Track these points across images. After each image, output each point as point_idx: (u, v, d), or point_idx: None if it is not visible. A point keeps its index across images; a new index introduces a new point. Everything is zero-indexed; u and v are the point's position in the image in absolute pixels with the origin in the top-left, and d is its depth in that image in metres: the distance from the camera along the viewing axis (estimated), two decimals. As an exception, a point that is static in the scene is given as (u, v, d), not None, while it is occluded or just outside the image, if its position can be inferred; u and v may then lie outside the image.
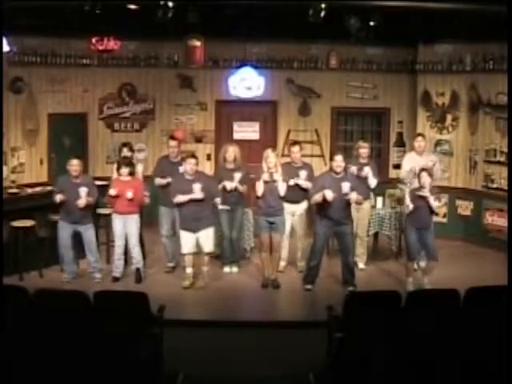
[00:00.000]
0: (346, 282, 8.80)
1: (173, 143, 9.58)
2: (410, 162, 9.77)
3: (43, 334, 5.60)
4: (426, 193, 8.47)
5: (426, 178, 8.54)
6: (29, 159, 11.30)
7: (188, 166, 8.72)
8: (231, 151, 9.31)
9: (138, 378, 5.27)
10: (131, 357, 5.35)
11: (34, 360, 5.20)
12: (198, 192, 8.63)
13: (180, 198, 8.66)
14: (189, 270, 8.93)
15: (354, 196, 8.47)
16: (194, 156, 8.96)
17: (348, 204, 8.63)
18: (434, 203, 8.50)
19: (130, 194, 8.79)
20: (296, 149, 9.38)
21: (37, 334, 5.62)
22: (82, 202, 8.74)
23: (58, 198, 8.73)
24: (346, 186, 8.47)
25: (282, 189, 8.74)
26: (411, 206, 8.52)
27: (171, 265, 9.58)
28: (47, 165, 11.53)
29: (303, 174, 9.25)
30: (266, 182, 8.72)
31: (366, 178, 9.45)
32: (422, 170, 8.72)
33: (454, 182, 11.49)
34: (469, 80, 11.30)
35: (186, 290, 8.84)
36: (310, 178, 9.26)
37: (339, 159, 8.52)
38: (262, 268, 9.10)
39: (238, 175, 9.23)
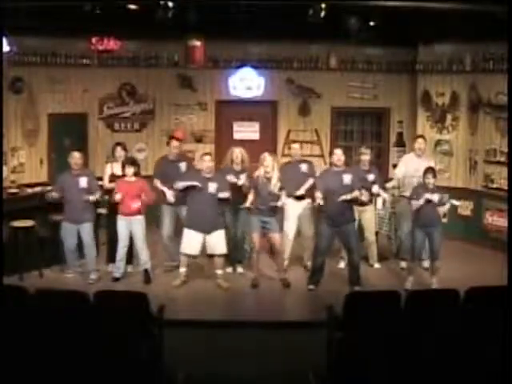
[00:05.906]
0: (351, 282, 8.76)
1: (175, 143, 9.59)
2: (408, 163, 9.70)
3: (43, 334, 5.60)
4: (434, 197, 8.55)
5: (430, 179, 8.61)
6: (29, 159, 11.30)
7: (205, 164, 8.77)
8: (238, 152, 9.29)
9: (138, 377, 5.26)
10: (131, 357, 5.36)
11: (34, 360, 5.19)
12: (213, 190, 8.70)
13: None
14: (182, 270, 8.93)
15: (355, 193, 8.61)
16: (208, 153, 9.04)
17: (350, 204, 8.69)
18: (447, 206, 8.73)
19: (135, 206, 8.83)
20: (296, 145, 9.81)
21: (37, 334, 5.62)
22: (90, 197, 8.85)
23: (53, 195, 8.95)
24: (347, 178, 8.60)
25: (282, 196, 8.83)
26: (419, 202, 8.55)
27: (172, 264, 9.53)
28: (47, 165, 11.53)
29: (303, 167, 9.56)
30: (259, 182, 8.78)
31: (368, 182, 9.41)
32: (429, 168, 8.76)
33: (454, 182, 11.48)
34: (469, 80, 11.30)
35: (187, 291, 8.84)
36: (311, 173, 9.52)
37: (339, 153, 8.66)
38: (254, 268, 9.09)
39: (243, 176, 9.20)
